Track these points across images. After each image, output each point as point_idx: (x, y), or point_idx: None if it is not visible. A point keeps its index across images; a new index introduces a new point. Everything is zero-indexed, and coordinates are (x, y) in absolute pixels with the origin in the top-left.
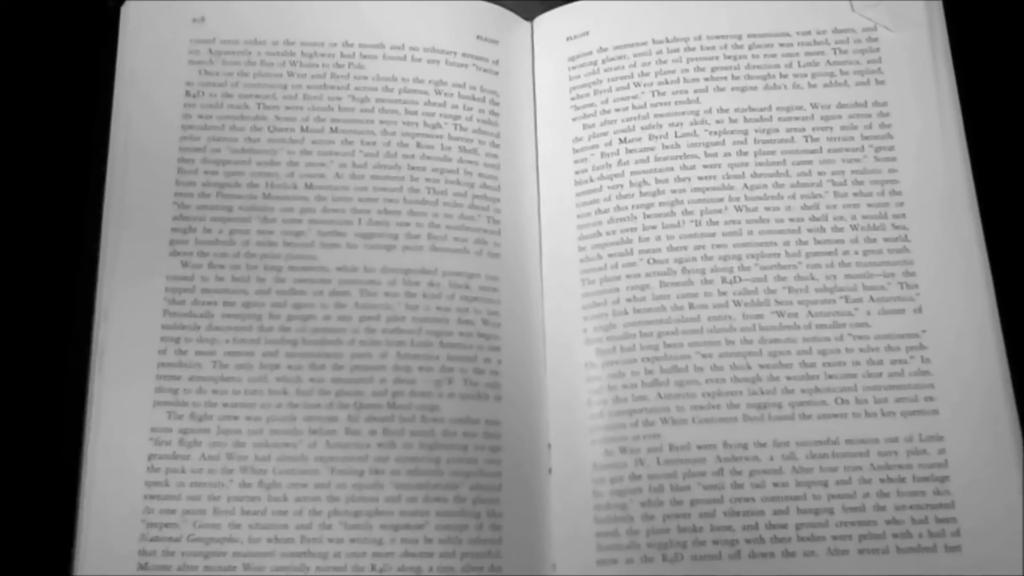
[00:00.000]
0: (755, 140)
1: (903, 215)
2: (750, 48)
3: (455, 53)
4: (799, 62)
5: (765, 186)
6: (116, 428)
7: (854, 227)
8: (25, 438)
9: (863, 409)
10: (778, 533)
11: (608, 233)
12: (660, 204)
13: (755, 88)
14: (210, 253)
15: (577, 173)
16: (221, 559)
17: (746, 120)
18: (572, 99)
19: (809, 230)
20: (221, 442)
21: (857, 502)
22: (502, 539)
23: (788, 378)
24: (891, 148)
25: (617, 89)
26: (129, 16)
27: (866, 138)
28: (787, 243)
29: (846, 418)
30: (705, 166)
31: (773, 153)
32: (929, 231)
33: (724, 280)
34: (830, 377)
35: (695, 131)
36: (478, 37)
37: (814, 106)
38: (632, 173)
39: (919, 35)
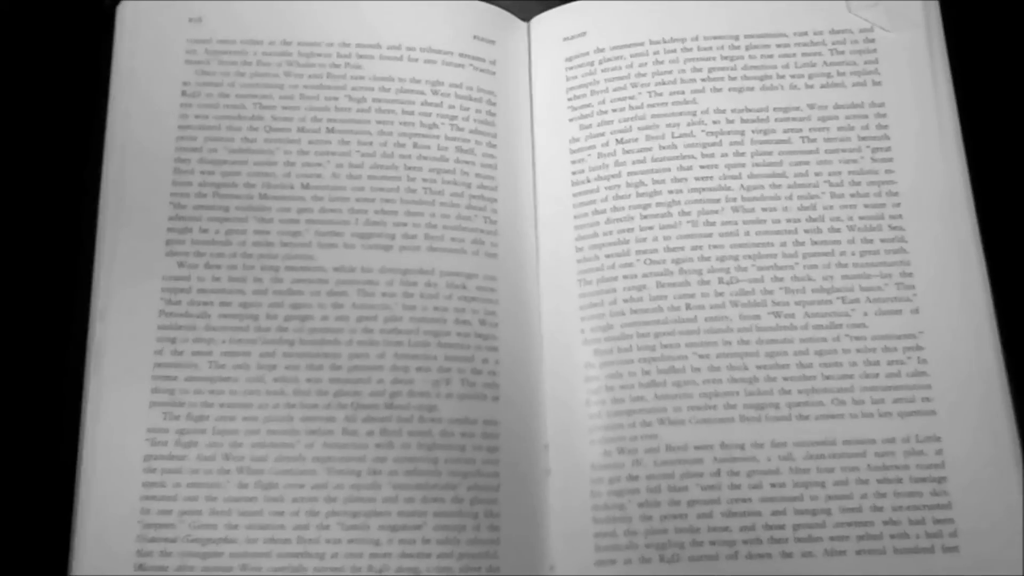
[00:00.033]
0: (752, 141)
1: (900, 216)
2: (747, 49)
3: (452, 53)
4: (796, 63)
5: (762, 187)
6: (113, 429)
7: (851, 228)
8: (22, 438)
9: (860, 410)
10: (775, 534)
11: (605, 233)
12: (657, 204)
13: (752, 89)
14: (207, 253)
15: (574, 173)
16: (218, 559)
17: (743, 121)
18: (569, 99)
19: (806, 231)
20: (218, 442)
21: (854, 503)
22: (500, 539)
23: (785, 379)
24: (888, 149)
25: (614, 90)
26: (125, 16)
27: (863, 139)
28: (784, 244)
29: (843, 419)
30: (702, 167)
31: (770, 154)
32: (926, 232)
33: (721, 281)
34: (827, 378)
35: (692, 132)
36: (475, 37)
37: (811, 107)
38: (629, 173)
39: (916, 36)
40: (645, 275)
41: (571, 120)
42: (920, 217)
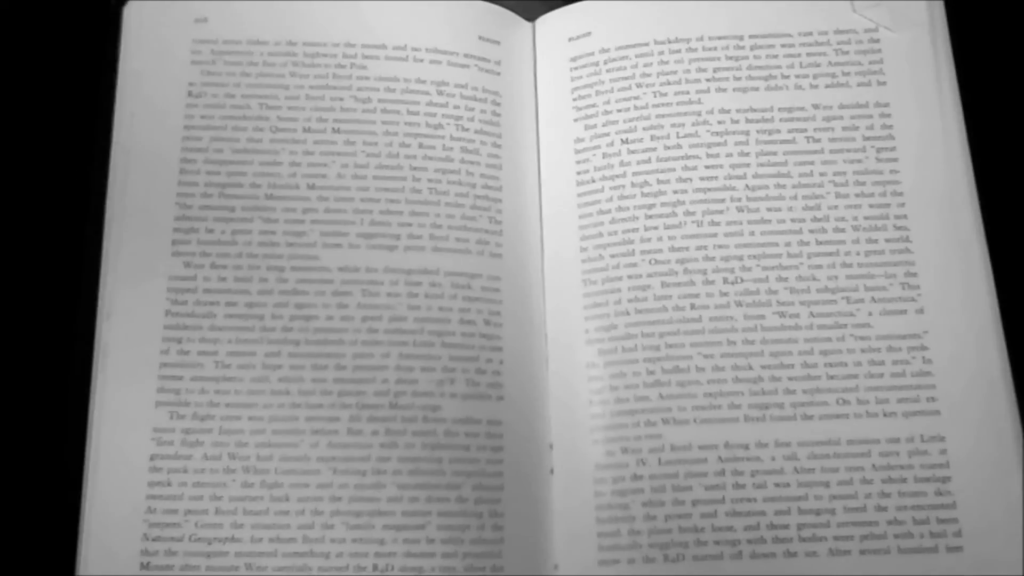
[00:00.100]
0: (757, 141)
1: (905, 216)
2: (752, 49)
3: (457, 54)
4: (801, 63)
5: (767, 187)
6: (118, 428)
7: (856, 228)
8: (28, 438)
9: (864, 410)
10: (779, 533)
11: (610, 233)
12: (662, 205)
13: (757, 89)
14: (212, 253)
15: (579, 174)
16: (223, 559)
17: (748, 121)
18: (574, 100)
19: (811, 231)
20: (223, 442)
21: (859, 502)
22: (504, 539)
23: (790, 378)
24: (893, 149)
25: (619, 90)
26: (131, 16)
27: (868, 139)
28: (789, 244)
29: (848, 418)
30: (707, 167)
31: (775, 154)
32: (931, 232)
33: (726, 281)
34: (832, 378)
35: (697, 132)
36: (480, 38)
37: (816, 107)
38: (634, 174)
39: (920, 35)
40: (650, 275)
41: (576, 120)
42: (925, 217)
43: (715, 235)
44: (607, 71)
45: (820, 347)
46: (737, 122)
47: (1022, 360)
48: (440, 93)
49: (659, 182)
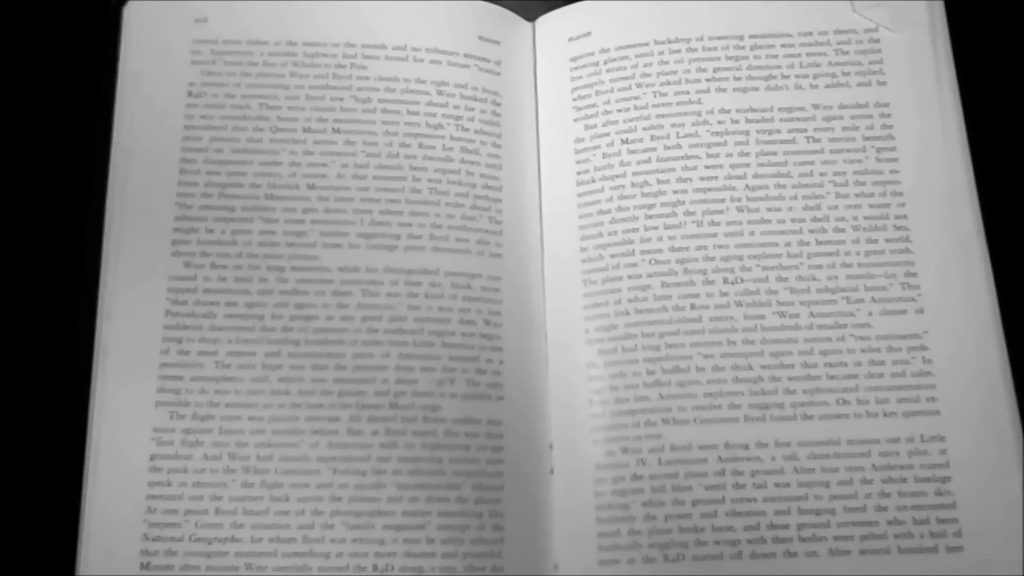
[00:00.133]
0: (757, 141)
1: (905, 216)
2: (752, 49)
3: (457, 54)
4: (801, 63)
5: (767, 187)
6: (118, 428)
7: (856, 228)
8: (28, 438)
9: (865, 410)
10: (780, 533)
11: (610, 233)
12: (662, 205)
13: (757, 89)
14: (212, 253)
15: (579, 173)
16: (223, 559)
17: (748, 121)
18: (574, 100)
19: (811, 231)
20: (223, 442)
21: (859, 502)
22: (504, 539)
23: (790, 379)
24: (893, 149)
25: (619, 90)
26: (131, 16)
27: (868, 139)
28: (789, 244)
29: (848, 418)
30: (707, 167)
31: (775, 154)
32: (931, 232)
33: (726, 281)
34: (831, 378)
35: (697, 132)
36: (480, 38)
37: (816, 107)
38: (634, 174)
39: (920, 35)
40: (650, 275)
41: (576, 120)
42: (925, 217)
43: (715, 235)
44: (607, 71)
45: (820, 347)
46: (737, 122)
47: (1022, 360)
48: (440, 93)
49: (659, 182)
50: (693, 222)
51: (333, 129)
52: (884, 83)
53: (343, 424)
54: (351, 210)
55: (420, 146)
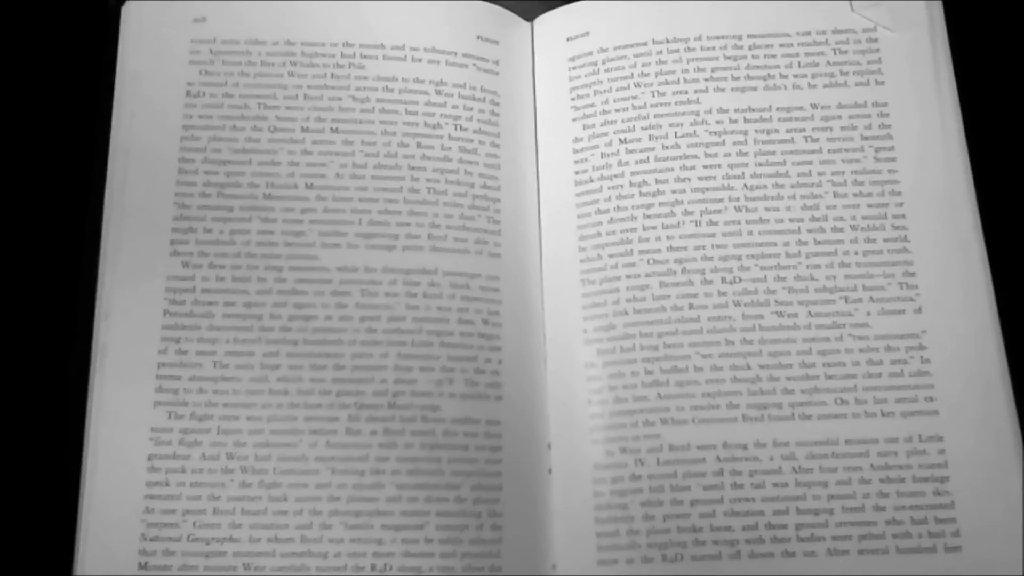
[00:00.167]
0: (755, 140)
1: (903, 215)
2: (750, 48)
3: (455, 53)
4: (799, 62)
5: (765, 186)
6: (117, 428)
7: (854, 227)
8: (26, 438)
9: (863, 409)
10: (778, 533)
11: (608, 233)
12: (660, 204)
13: (755, 88)
14: (211, 253)
15: (577, 173)
16: (221, 559)
17: (746, 120)
18: (572, 99)
19: (809, 230)
20: (221, 442)
21: (857, 502)
22: (502, 539)
23: (788, 378)
24: (891, 148)
25: (617, 89)
26: (130, 16)
27: (866, 138)
28: (787, 243)
29: (846, 418)
30: (705, 166)
31: (773, 153)
32: (929, 231)
33: (724, 280)
34: (830, 377)
35: (695, 131)
36: (478, 37)
37: (814, 106)
38: (632, 173)
39: (919, 35)
40: (648, 275)
41: (574, 120)
42: (923, 217)
43: (713, 235)
44: (605, 71)
45: (818, 347)
46: (735, 122)
47: (1020, 360)
48: (438, 93)
49: (657, 182)
50: (691, 222)
51: (331, 129)
52: (882, 83)
53: (342, 424)
54: (349, 210)
55: (418, 146)
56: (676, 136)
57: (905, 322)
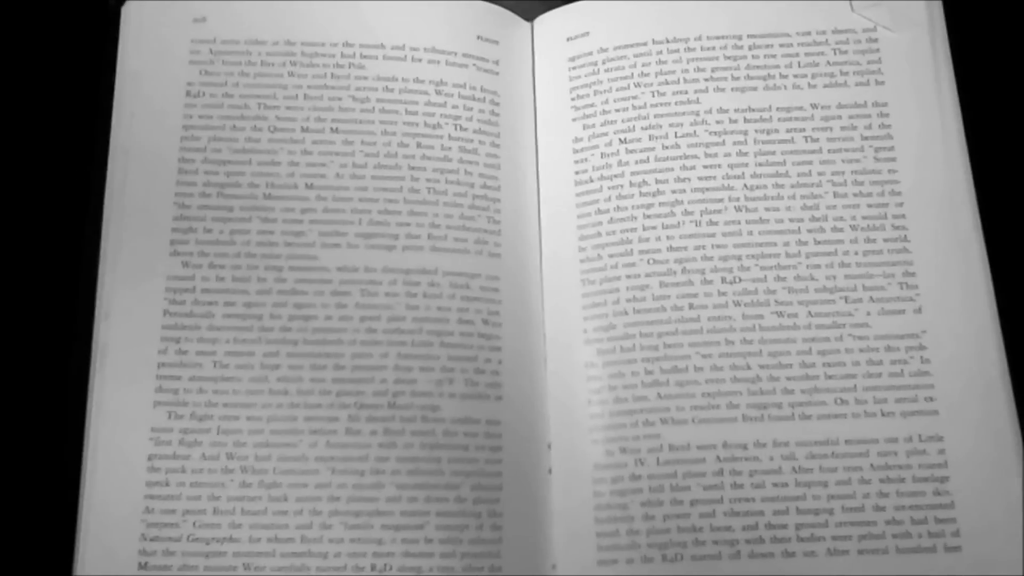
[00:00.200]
0: (755, 140)
1: (903, 215)
2: (750, 48)
3: (455, 53)
4: (799, 62)
5: (765, 186)
6: (117, 428)
7: (854, 227)
8: (26, 438)
9: (863, 409)
10: (778, 533)
11: (608, 233)
12: (660, 204)
13: (755, 88)
14: (211, 253)
15: (577, 173)
16: (221, 559)
17: (746, 120)
18: (572, 99)
19: (809, 230)
20: (221, 442)
21: (857, 502)
22: (502, 539)
23: (788, 378)
24: (891, 148)
25: (617, 89)
26: (130, 16)
27: (866, 138)
28: (787, 243)
29: (846, 418)
30: (705, 166)
31: (773, 153)
32: (929, 231)
33: (724, 280)
34: (830, 377)
35: (695, 131)
36: (478, 37)
37: (814, 106)
38: (632, 173)
39: (919, 35)
40: (648, 275)
41: (574, 120)
42: (923, 216)
43: (713, 235)
44: (605, 71)
45: (818, 347)
46: (735, 122)
47: (1020, 360)
48: (438, 93)
49: (657, 182)
50: (691, 222)
51: (331, 129)
52: (882, 83)
53: (341, 424)
54: (349, 210)
55: (418, 146)
56: (676, 136)
57: (905, 322)
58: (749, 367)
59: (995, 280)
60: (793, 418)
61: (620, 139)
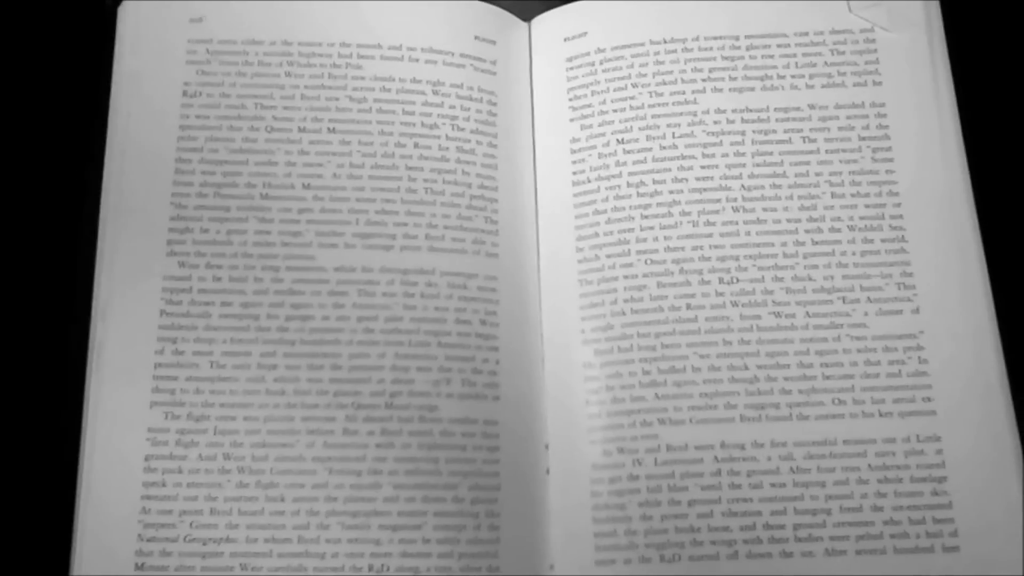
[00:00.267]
0: (753, 141)
1: (900, 216)
2: (748, 49)
3: (453, 53)
4: (797, 63)
5: (762, 187)
6: (113, 428)
7: (851, 228)
8: (23, 438)
9: (860, 410)
10: (776, 533)
11: (606, 234)
12: (658, 205)
13: (753, 89)
14: (207, 253)
15: (575, 174)
16: (218, 559)
17: (744, 121)
18: (570, 100)
19: (807, 231)
20: (218, 442)
21: (855, 502)
22: (500, 539)
23: (786, 379)
24: (888, 149)
25: (615, 90)
26: (127, 16)
27: (863, 139)
28: (784, 244)
29: (843, 419)
30: (703, 167)
31: (771, 154)
32: (927, 232)
33: (721, 281)
34: (827, 378)
35: (693, 132)
36: (476, 37)
37: (812, 107)
38: (630, 174)
39: (917, 36)
40: (646, 275)
41: (572, 120)
42: (921, 217)
43: (711, 235)
44: (603, 71)
45: (816, 347)
46: (733, 122)
47: (1018, 360)
48: (436, 93)
49: (655, 182)
50: (689, 222)
51: (328, 129)
52: (880, 83)
53: (339, 424)
54: (347, 210)
55: (416, 146)
56: (674, 136)
57: (903, 322)
58: (747, 367)
59: (993, 280)
60: (791, 418)
61: (618, 139)
